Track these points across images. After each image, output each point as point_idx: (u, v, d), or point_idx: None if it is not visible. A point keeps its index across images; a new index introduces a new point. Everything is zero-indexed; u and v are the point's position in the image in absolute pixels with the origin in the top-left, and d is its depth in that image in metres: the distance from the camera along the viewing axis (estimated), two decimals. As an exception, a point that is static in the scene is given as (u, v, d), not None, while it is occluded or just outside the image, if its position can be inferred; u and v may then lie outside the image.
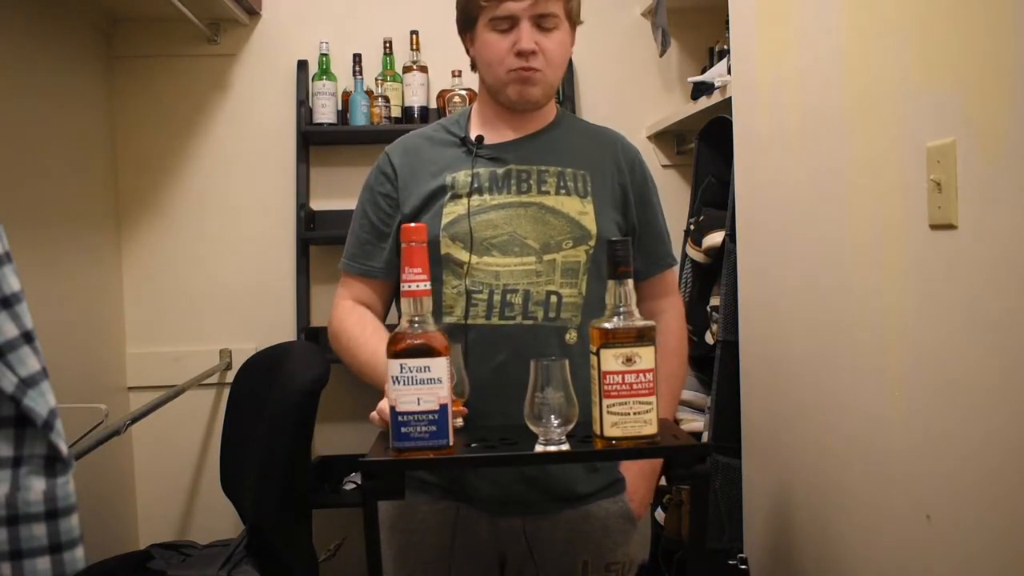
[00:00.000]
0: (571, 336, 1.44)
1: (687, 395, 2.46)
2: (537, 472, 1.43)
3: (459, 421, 1.27)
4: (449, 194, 1.46)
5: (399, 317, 1.49)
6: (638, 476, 1.53)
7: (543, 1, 1.42)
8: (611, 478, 1.52)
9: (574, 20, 1.51)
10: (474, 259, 1.42)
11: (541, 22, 1.43)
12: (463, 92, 2.86)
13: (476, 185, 1.46)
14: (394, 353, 1.13)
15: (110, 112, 2.86)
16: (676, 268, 1.62)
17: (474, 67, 1.55)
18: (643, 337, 1.13)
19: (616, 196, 1.53)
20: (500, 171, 1.48)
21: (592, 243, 1.46)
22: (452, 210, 1.45)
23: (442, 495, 1.46)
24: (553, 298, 1.43)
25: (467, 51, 1.54)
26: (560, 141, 1.53)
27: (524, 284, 1.42)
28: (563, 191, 1.48)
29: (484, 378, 1.37)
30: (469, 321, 1.41)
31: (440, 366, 1.12)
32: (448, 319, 1.42)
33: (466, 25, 1.51)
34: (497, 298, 1.41)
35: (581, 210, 1.47)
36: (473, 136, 1.51)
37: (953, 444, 1.20)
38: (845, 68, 1.47)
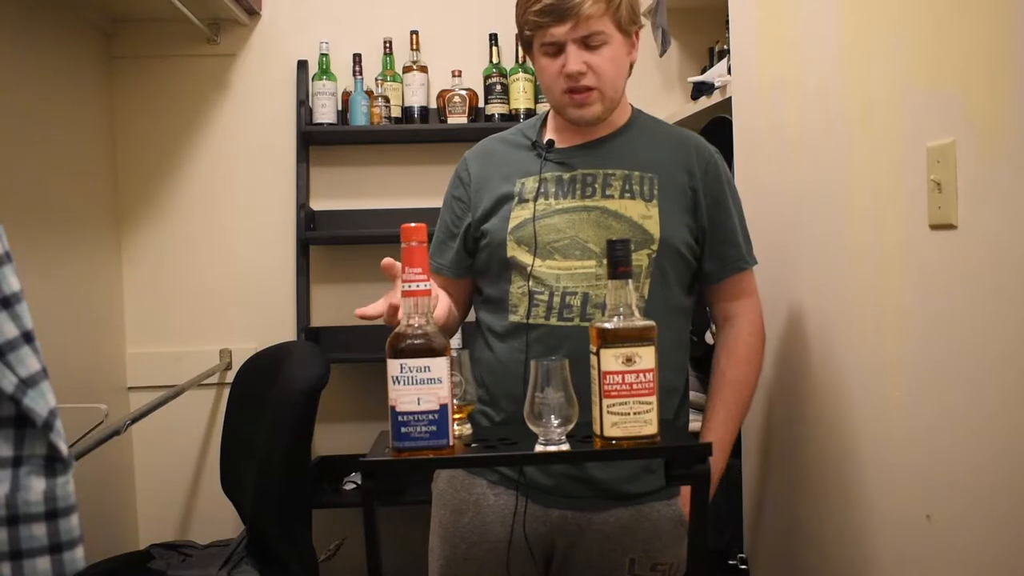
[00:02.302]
0: None
1: (687, 395, 2.46)
2: (590, 469, 1.45)
3: (467, 427, 1.27)
4: (517, 198, 1.50)
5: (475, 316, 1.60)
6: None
7: (584, 23, 1.41)
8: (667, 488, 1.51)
9: (626, 28, 1.47)
10: (537, 262, 1.46)
11: (588, 41, 1.43)
12: (463, 92, 2.86)
13: (543, 190, 1.49)
14: (394, 353, 1.13)
15: (110, 112, 2.86)
16: (752, 271, 1.58)
17: None
18: (643, 337, 1.13)
19: (687, 199, 1.51)
20: (567, 176, 1.50)
21: (655, 247, 1.46)
22: (519, 214, 1.49)
23: (500, 479, 1.49)
24: None
25: (532, 71, 1.58)
26: (630, 144, 1.53)
27: (584, 287, 1.44)
28: (628, 195, 1.48)
29: None
30: (531, 321, 1.45)
31: (440, 366, 1.12)
32: (512, 318, 1.47)
33: (527, 48, 1.54)
34: (557, 300, 1.45)
35: (644, 214, 1.47)
36: (545, 140, 1.53)
37: (953, 444, 1.20)
38: (845, 68, 1.47)
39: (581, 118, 1.48)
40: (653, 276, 1.47)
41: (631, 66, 1.54)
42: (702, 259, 1.54)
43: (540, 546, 1.49)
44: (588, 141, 1.53)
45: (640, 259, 1.45)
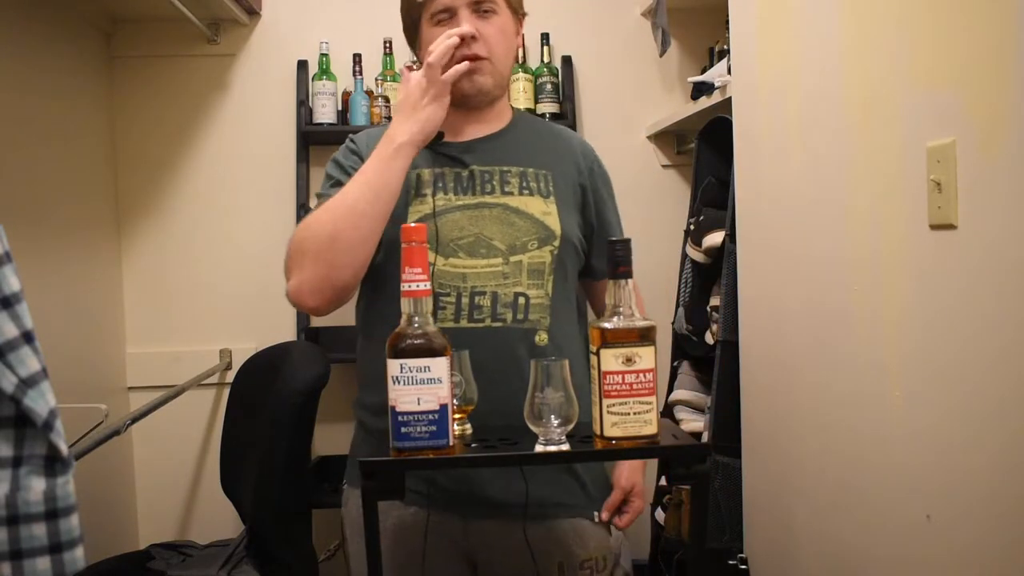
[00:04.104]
0: (541, 338, 1.43)
1: (687, 395, 2.46)
2: (511, 476, 1.41)
3: (467, 427, 1.27)
4: (413, 190, 1.44)
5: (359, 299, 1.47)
6: (634, 471, 1.53)
7: None
8: (593, 496, 1.51)
9: (516, 9, 1.49)
10: (440, 261, 1.40)
11: (480, 6, 1.43)
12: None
13: (440, 184, 1.45)
14: (394, 353, 1.13)
15: (110, 112, 2.86)
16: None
17: None
18: (643, 337, 1.13)
19: (577, 196, 1.53)
20: (464, 172, 1.47)
21: (557, 243, 1.46)
22: (417, 209, 1.43)
23: (415, 498, 1.42)
24: (521, 300, 1.42)
25: (419, 59, 1.52)
26: (520, 142, 1.52)
27: (492, 286, 1.41)
28: (526, 191, 1.47)
29: None
30: (437, 324, 1.37)
31: (440, 366, 1.12)
32: None
33: (411, 31, 1.51)
34: (465, 301, 1.40)
35: (545, 210, 1.47)
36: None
37: (953, 444, 1.20)
38: (845, 68, 1.47)
39: (473, 88, 1.44)
40: (555, 272, 1.46)
41: (516, 54, 1.54)
42: (590, 255, 1.55)
43: (461, 560, 1.46)
44: (478, 138, 1.50)
45: (544, 255, 1.45)
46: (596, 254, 1.55)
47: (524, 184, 1.48)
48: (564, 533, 1.46)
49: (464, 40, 1.40)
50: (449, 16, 1.43)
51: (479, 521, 1.45)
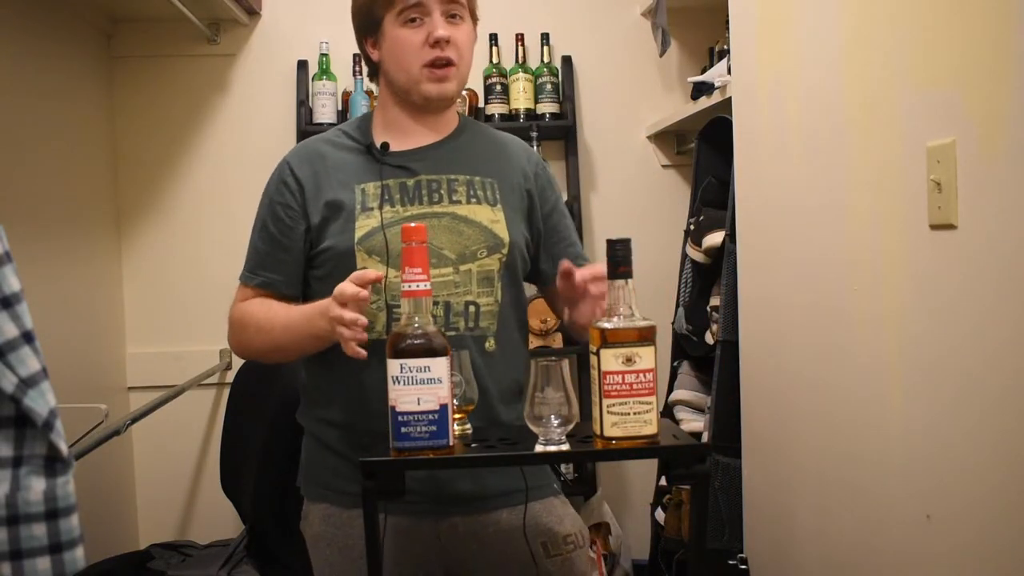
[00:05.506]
0: (490, 344, 1.44)
1: (687, 395, 2.46)
2: (477, 477, 1.42)
3: (467, 427, 1.27)
4: (359, 206, 1.43)
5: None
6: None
7: None
8: (553, 477, 1.52)
9: (474, 15, 1.50)
10: (392, 273, 1.37)
11: (451, 12, 1.43)
12: (463, 92, 2.85)
13: (387, 196, 1.44)
14: (394, 353, 1.13)
15: (110, 112, 2.86)
16: None
17: (372, 75, 1.53)
18: (643, 337, 1.13)
19: (524, 203, 1.52)
20: (410, 182, 1.46)
21: (505, 251, 1.46)
22: (365, 223, 1.42)
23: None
24: (472, 308, 1.43)
25: (367, 59, 1.50)
26: (466, 149, 1.51)
27: (444, 295, 1.41)
28: (474, 200, 1.47)
29: None
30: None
31: (440, 366, 1.12)
32: (370, 335, 1.29)
33: (369, 28, 1.47)
34: None
35: (492, 218, 1.47)
36: (378, 143, 1.47)
37: (953, 444, 1.20)
38: (845, 68, 1.48)
39: (440, 93, 1.44)
40: (503, 279, 1.46)
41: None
42: (538, 259, 1.55)
43: (434, 562, 1.45)
44: (425, 146, 1.49)
45: (492, 263, 1.45)
46: (544, 259, 1.55)
47: (472, 192, 1.47)
48: (539, 514, 1.46)
49: (439, 43, 1.41)
50: (420, 15, 1.41)
51: (451, 518, 1.44)
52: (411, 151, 1.48)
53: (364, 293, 1.24)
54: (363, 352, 1.26)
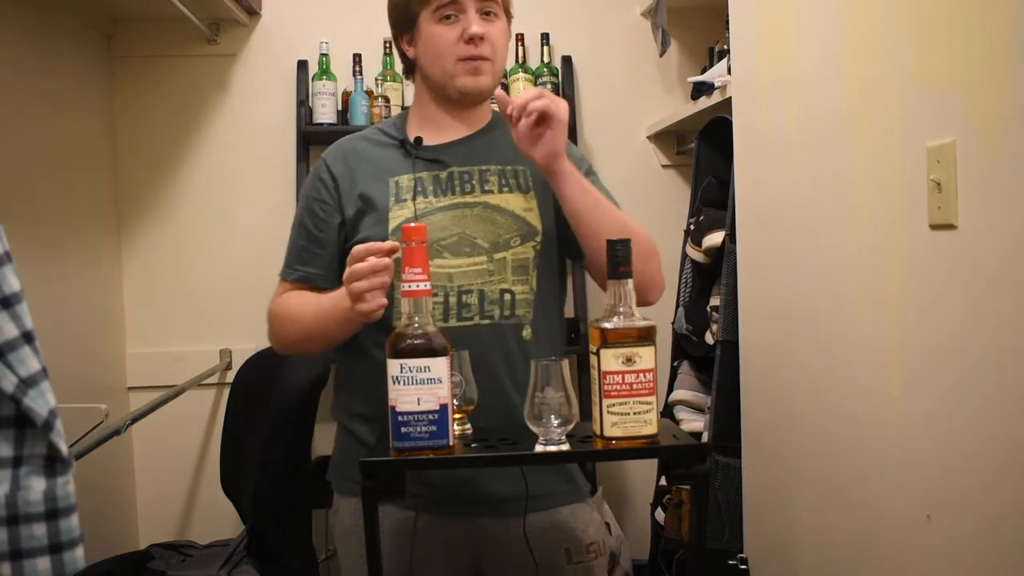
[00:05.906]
0: (527, 332, 1.44)
1: (687, 395, 2.46)
2: (512, 472, 1.40)
3: (467, 427, 1.27)
4: (393, 198, 1.45)
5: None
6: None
7: None
8: (580, 484, 1.51)
9: (509, 13, 1.51)
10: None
11: (486, 9, 1.44)
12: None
13: (419, 188, 1.46)
14: (394, 353, 1.13)
15: (110, 112, 2.86)
16: None
17: (408, 72, 1.55)
18: (643, 337, 1.13)
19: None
20: (443, 174, 1.48)
21: (539, 239, 1.47)
22: (398, 214, 1.44)
23: (411, 503, 1.42)
24: (507, 296, 1.44)
25: (402, 56, 1.53)
26: (498, 140, 1.52)
27: (478, 284, 1.42)
28: (506, 188, 1.48)
29: None
30: None
31: (440, 366, 1.12)
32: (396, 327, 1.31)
33: (404, 26, 1.51)
34: (453, 300, 1.41)
35: (526, 206, 1.48)
36: (412, 138, 1.50)
37: (953, 444, 1.20)
38: (845, 68, 1.48)
39: (475, 87, 1.46)
40: (539, 268, 1.47)
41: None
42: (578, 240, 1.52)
43: (460, 560, 1.46)
44: (457, 139, 1.51)
45: (527, 251, 1.46)
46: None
47: (504, 181, 1.49)
48: (566, 520, 1.47)
49: (473, 40, 1.42)
50: (456, 12, 1.43)
51: (481, 519, 1.45)
52: (444, 145, 1.50)
53: (376, 246, 1.26)
54: (376, 305, 1.26)
